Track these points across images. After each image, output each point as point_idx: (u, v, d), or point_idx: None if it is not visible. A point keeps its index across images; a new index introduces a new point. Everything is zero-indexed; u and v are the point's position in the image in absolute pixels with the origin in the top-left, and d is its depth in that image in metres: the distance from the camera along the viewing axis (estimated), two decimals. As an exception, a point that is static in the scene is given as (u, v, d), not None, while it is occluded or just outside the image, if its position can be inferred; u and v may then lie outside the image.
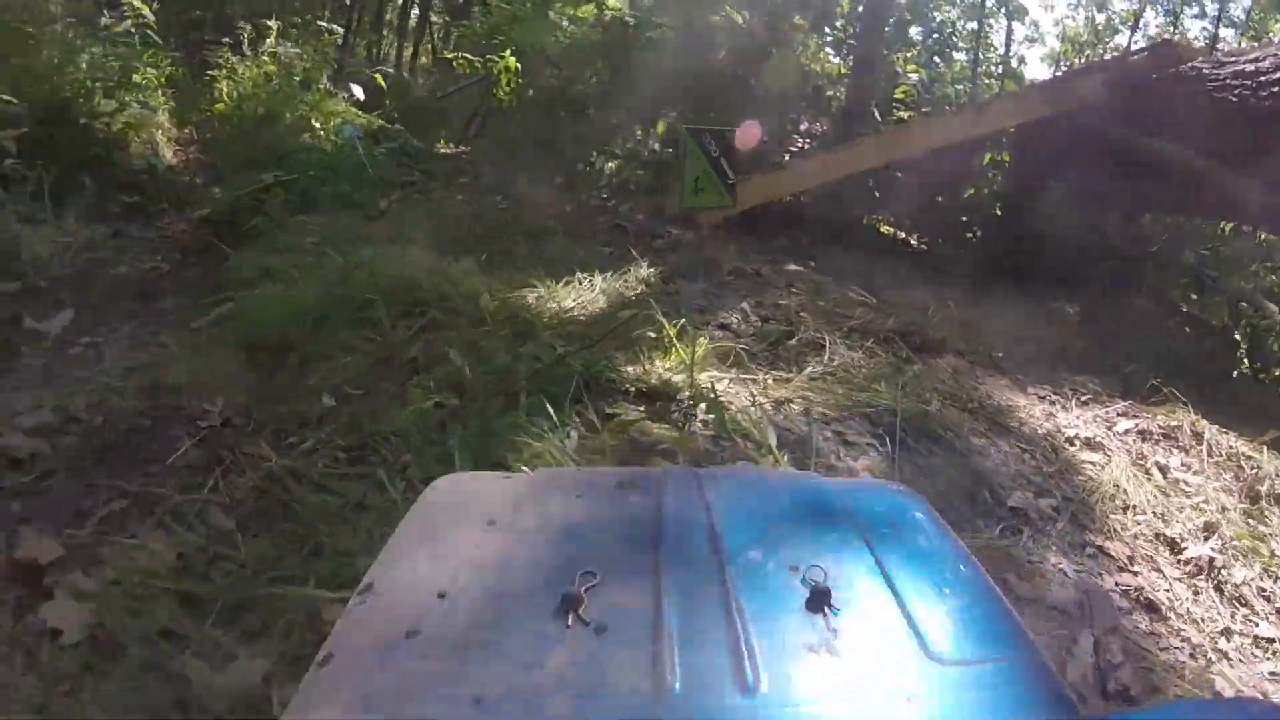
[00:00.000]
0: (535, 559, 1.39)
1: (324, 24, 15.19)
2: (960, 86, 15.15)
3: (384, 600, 1.30)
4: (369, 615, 1.27)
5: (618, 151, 12.40)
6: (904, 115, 11.52)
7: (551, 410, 4.02)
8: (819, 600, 1.26)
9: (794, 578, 1.32)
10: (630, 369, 4.60)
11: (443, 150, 11.34)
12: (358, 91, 11.27)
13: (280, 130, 10.66)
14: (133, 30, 10.60)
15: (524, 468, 3.68)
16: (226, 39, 15.63)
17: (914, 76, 13.16)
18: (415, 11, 23.88)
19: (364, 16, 20.72)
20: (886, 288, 7.71)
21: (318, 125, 10.80)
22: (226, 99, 12.31)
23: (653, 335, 4.96)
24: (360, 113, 11.73)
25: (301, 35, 13.81)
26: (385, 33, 23.07)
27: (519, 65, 13.08)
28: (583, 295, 5.68)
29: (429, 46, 20.00)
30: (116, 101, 9.80)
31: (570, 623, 1.20)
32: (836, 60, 13.61)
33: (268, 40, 13.43)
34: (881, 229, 10.86)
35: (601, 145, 12.29)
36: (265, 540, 3.54)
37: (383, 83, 12.18)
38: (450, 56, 14.04)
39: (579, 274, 6.01)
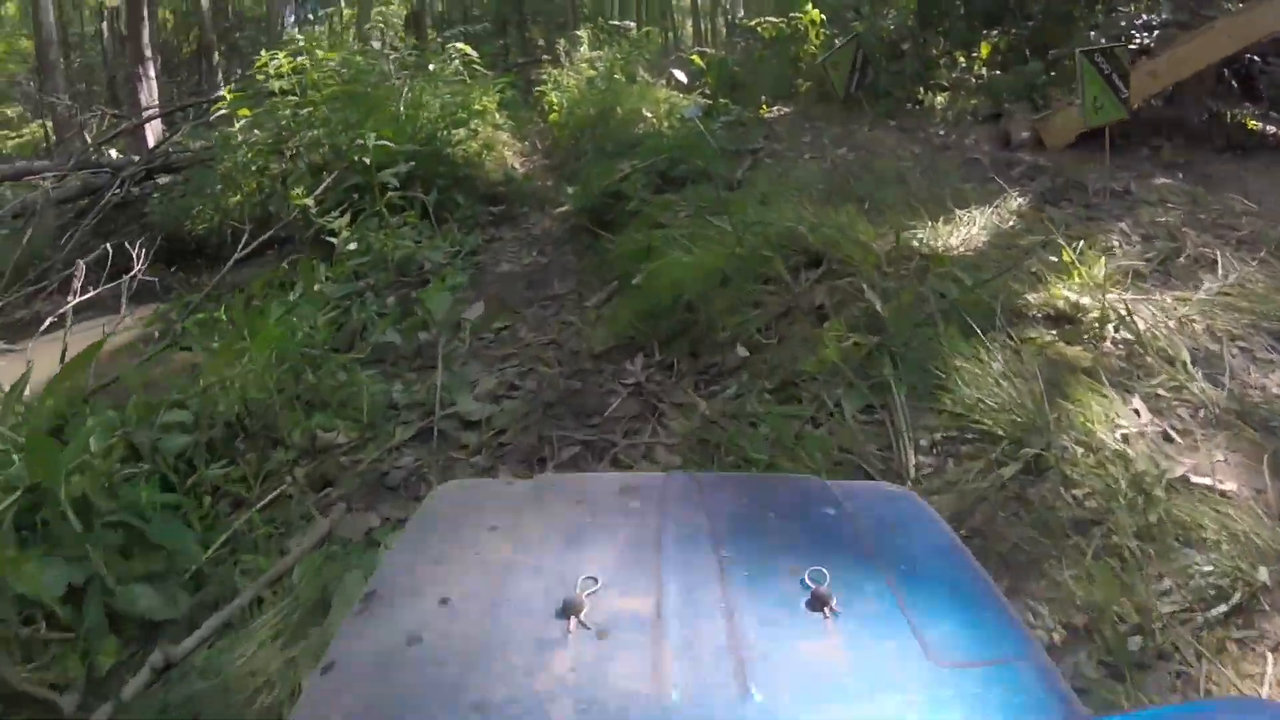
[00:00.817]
0: (537, 564, 1.36)
1: (617, 22, 15.83)
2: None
3: (386, 607, 1.29)
4: (371, 622, 1.26)
5: (944, 83, 11.90)
6: (1260, -12, 10.11)
7: (974, 337, 3.92)
8: (820, 603, 1.22)
9: (795, 581, 1.28)
10: (1033, 295, 4.42)
11: (765, 114, 11.27)
12: (680, 75, 11.49)
13: (615, 125, 11.10)
14: (461, 69, 11.54)
15: (965, 388, 3.61)
16: (546, 57, 16.68)
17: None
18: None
19: (649, 7, 21.19)
20: (1264, 192, 6.77)
21: (649, 114, 11.16)
22: (558, 109, 13.05)
23: (1054, 259, 4.70)
24: (684, 94, 12.10)
25: (607, 39, 14.46)
26: (676, 16, 23.49)
27: (823, 16, 12.91)
28: (964, 231, 5.43)
29: (723, 21, 20.09)
30: (466, 130, 10.58)
31: (571, 628, 1.17)
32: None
33: (581, 49, 14.16)
34: (1249, 124, 9.63)
35: (926, 80, 11.83)
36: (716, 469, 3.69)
37: (701, 63, 12.35)
38: (754, 24, 14.10)
39: (956, 211, 5.78)
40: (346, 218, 7.62)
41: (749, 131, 9.74)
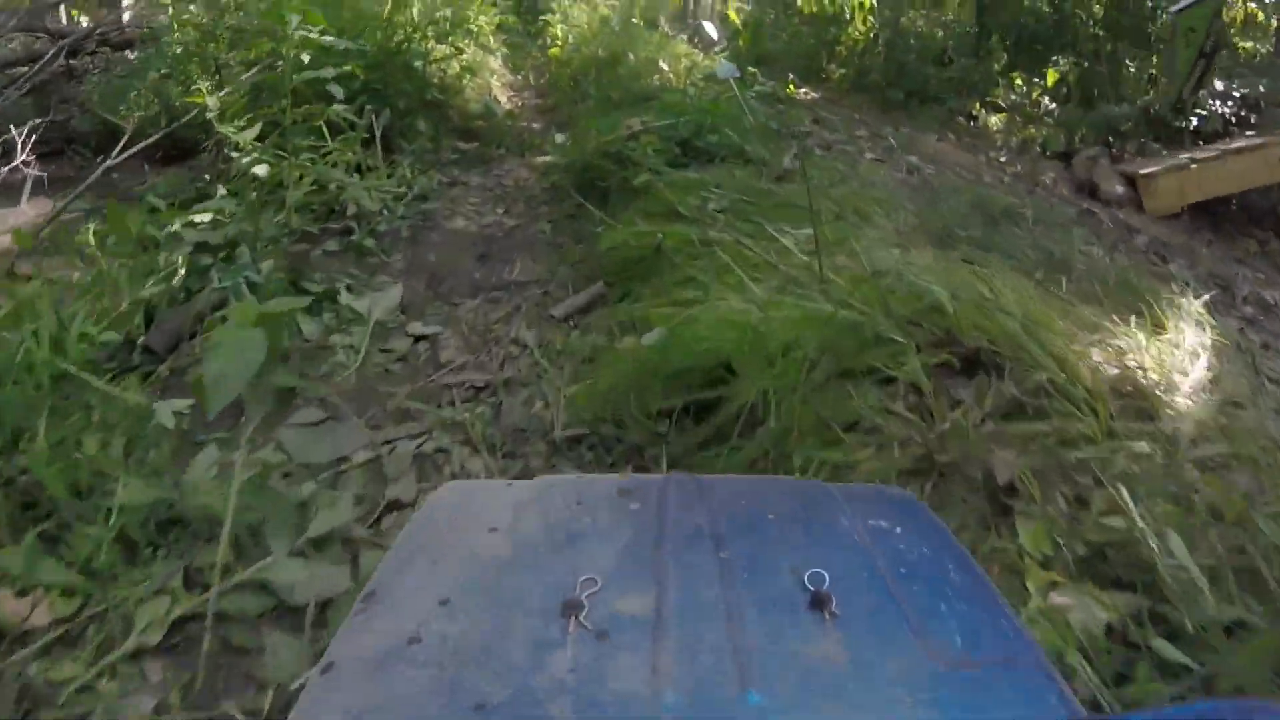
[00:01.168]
0: (536, 565, 1.22)
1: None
2: None
3: (386, 607, 1.14)
4: (371, 623, 1.12)
5: (1001, 104, 9.63)
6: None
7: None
8: (820, 604, 1.09)
9: (795, 582, 1.14)
10: None
11: (791, 94, 8.86)
12: (710, 29, 8.96)
13: (625, 72, 8.65)
14: None
15: None
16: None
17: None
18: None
19: None
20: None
21: (666, 67, 8.70)
22: (561, 43, 10.54)
23: None
24: (705, 54, 9.69)
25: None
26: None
27: (874, 2, 10.58)
28: (1177, 356, 3.04)
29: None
30: (451, 47, 8.08)
31: (571, 628, 1.04)
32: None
33: (601, -19, 11.60)
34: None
35: (981, 95, 9.55)
36: None
37: (737, 20, 9.83)
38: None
39: (1145, 305, 3.39)
40: (257, 128, 5.14)
41: (790, 111, 7.30)
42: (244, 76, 5.87)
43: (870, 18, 10.66)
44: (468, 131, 7.77)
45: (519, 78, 10.85)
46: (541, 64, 11.32)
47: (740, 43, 9.75)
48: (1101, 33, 9.99)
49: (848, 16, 10.75)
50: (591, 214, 5.10)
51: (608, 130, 6.08)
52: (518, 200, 6.42)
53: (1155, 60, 10.00)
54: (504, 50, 10.56)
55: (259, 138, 5.13)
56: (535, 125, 8.78)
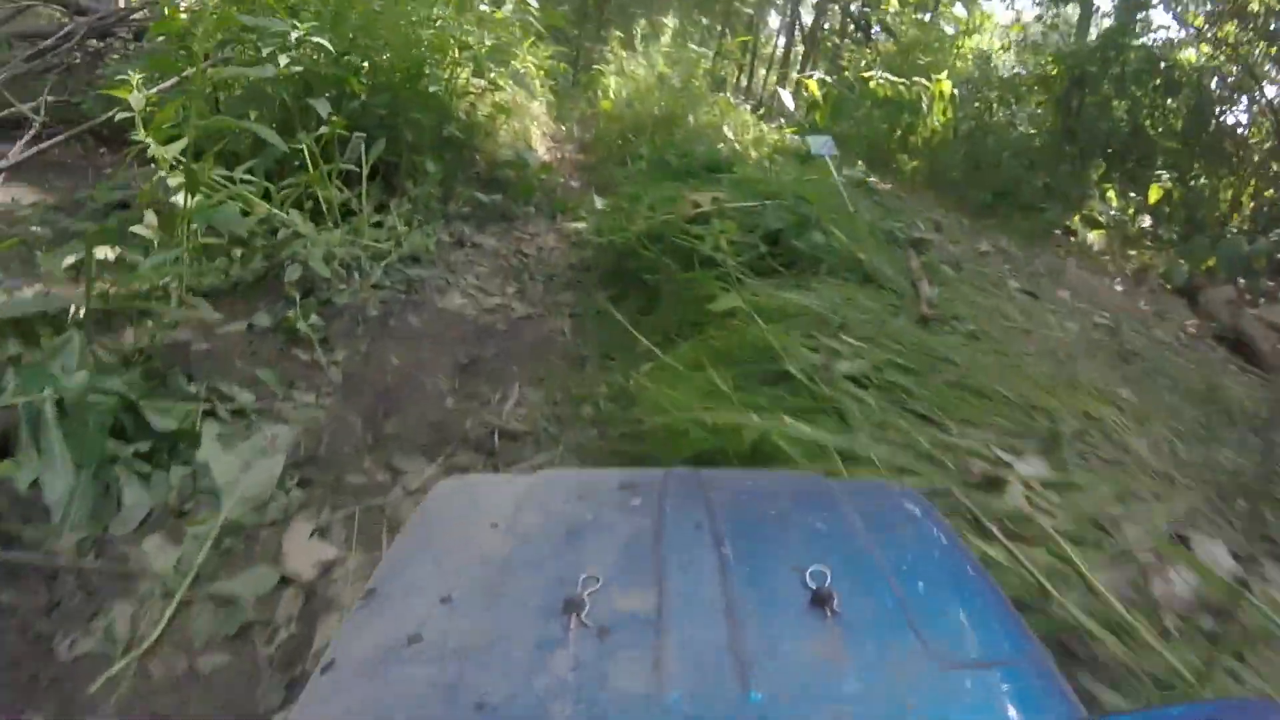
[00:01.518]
0: (537, 562, 1.09)
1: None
2: None
3: (386, 606, 1.04)
4: (371, 621, 1.02)
5: (1099, 217, 7.83)
6: None
7: None
8: (821, 602, 0.97)
9: (796, 580, 1.02)
10: None
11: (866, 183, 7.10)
12: (787, 99, 7.15)
13: (683, 137, 6.86)
14: (514, 18, 7.20)
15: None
16: (619, 33, 12.26)
17: None
18: (782, 40, 19.72)
19: (734, 34, 16.18)
20: None
21: (730, 135, 6.91)
22: (614, 96, 8.79)
23: None
24: (770, 126, 7.94)
25: (698, 35, 10.16)
26: (748, 56, 18.46)
27: (955, 91, 8.85)
28: None
29: (833, 64, 15.18)
30: (487, 81, 6.25)
31: (572, 626, 0.93)
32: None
33: (663, 39, 9.81)
34: None
35: (1072, 204, 7.78)
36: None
37: (818, 92, 8.01)
38: (865, 77, 9.86)
39: None
40: (183, 142, 3.33)
41: (899, 208, 5.48)
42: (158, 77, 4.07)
43: (949, 109, 8.96)
44: (492, 181, 6.00)
45: (562, 128, 9.11)
46: (589, 116, 9.60)
47: (817, 117, 7.93)
48: (1179, 146, 8.28)
49: (925, 106, 9.06)
50: (632, 333, 3.27)
51: (664, 203, 4.27)
52: (536, 277, 4.65)
53: (1235, 181, 8.31)
54: (549, 97, 8.82)
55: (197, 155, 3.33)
56: (573, 183, 7.04)
